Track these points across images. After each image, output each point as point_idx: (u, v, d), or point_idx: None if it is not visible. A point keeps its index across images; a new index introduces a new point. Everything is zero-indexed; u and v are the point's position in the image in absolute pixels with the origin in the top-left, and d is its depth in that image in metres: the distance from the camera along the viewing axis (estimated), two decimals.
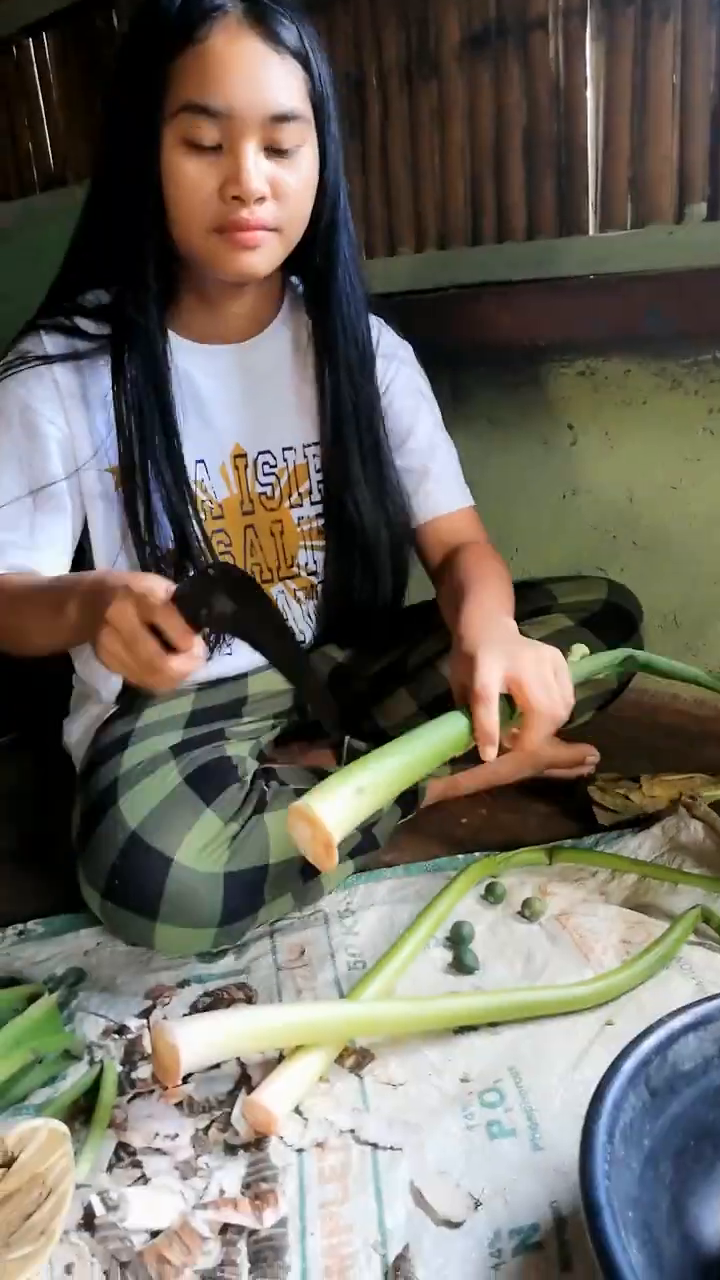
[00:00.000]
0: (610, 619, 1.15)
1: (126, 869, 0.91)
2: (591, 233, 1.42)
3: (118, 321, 0.97)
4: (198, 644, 0.77)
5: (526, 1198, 0.70)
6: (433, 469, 1.13)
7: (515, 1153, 0.74)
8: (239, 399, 1.06)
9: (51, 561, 0.99)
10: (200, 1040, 0.75)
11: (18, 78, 2.17)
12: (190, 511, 1.01)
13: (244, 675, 1.15)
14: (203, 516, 1.05)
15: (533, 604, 1.13)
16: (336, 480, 1.09)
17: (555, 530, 1.55)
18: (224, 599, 0.75)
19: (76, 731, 1.14)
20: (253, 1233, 0.69)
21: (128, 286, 0.95)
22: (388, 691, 1.19)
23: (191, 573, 0.83)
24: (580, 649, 0.97)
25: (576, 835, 1.15)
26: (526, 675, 0.84)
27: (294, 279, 1.08)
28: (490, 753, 0.84)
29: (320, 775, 1.09)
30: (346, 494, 1.08)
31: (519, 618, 1.13)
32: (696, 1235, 0.63)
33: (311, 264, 1.02)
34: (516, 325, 1.43)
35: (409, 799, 1.18)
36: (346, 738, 1.17)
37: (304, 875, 1.01)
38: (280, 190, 0.90)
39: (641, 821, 1.14)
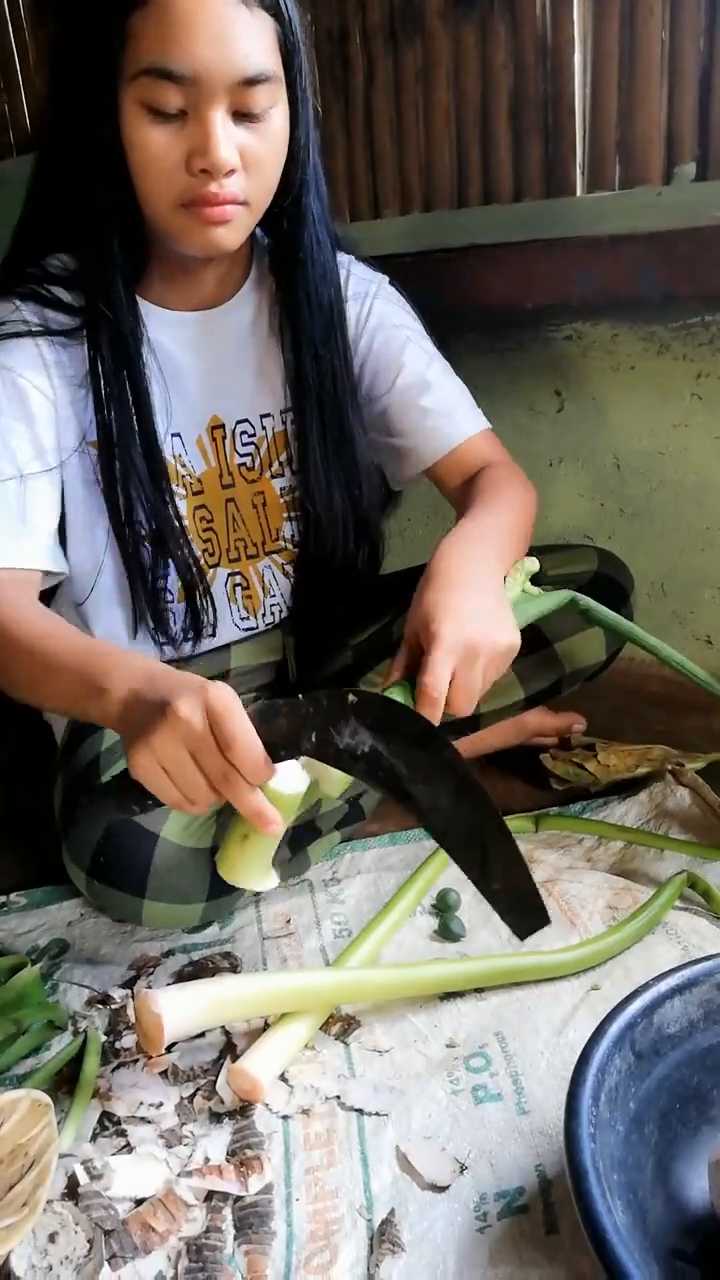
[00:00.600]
0: (600, 590, 1.13)
1: (112, 847, 0.90)
2: (579, 194, 1.39)
3: (88, 295, 0.92)
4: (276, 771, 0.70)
5: (512, 1161, 0.70)
6: (431, 405, 1.06)
7: (501, 1117, 0.74)
8: (214, 367, 1.01)
9: (41, 548, 0.95)
10: (184, 1009, 0.74)
11: None
12: (166, 488, 0.97)
13: (226, 647, 1.13)
14: (183, 493, 1.03)
15: None
16: (298, 450, 1.04)
17: (542, 499, 1.50)
18: (362, 732, 0.63)
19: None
20: (238, 1199, 0.69)
21: (93, 262, 0.90)
22: (372, 663, 1.18)
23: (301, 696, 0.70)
24: (530, 564, 0.94)
25: (563, 803, 1.15)
26: (460, 678, 0.80)
27: (258, 232, 1.02)
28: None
29: None
30: (306, 465, 1.04)
31: None
32: (681, 1197, 0.63)
33: (278, 225, 0.95)
34: (504, 288, 1.41)
35: None
36: None
37: (291, 847, 1.00)
38: (250, 160, 0.84)
39: (627, 787, 1.14)
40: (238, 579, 1.09)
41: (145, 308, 0.96)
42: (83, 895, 0.99)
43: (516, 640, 0.84)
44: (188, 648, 1.07)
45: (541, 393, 1.49)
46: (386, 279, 1.09)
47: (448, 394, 1.07)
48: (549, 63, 1.38)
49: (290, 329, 1.00)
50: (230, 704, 0.68)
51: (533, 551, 1.15)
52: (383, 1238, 0.66)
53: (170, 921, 0.92)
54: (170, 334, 0.98)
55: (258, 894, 1.00)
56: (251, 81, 0.80)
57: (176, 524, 0.99)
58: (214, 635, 1.08)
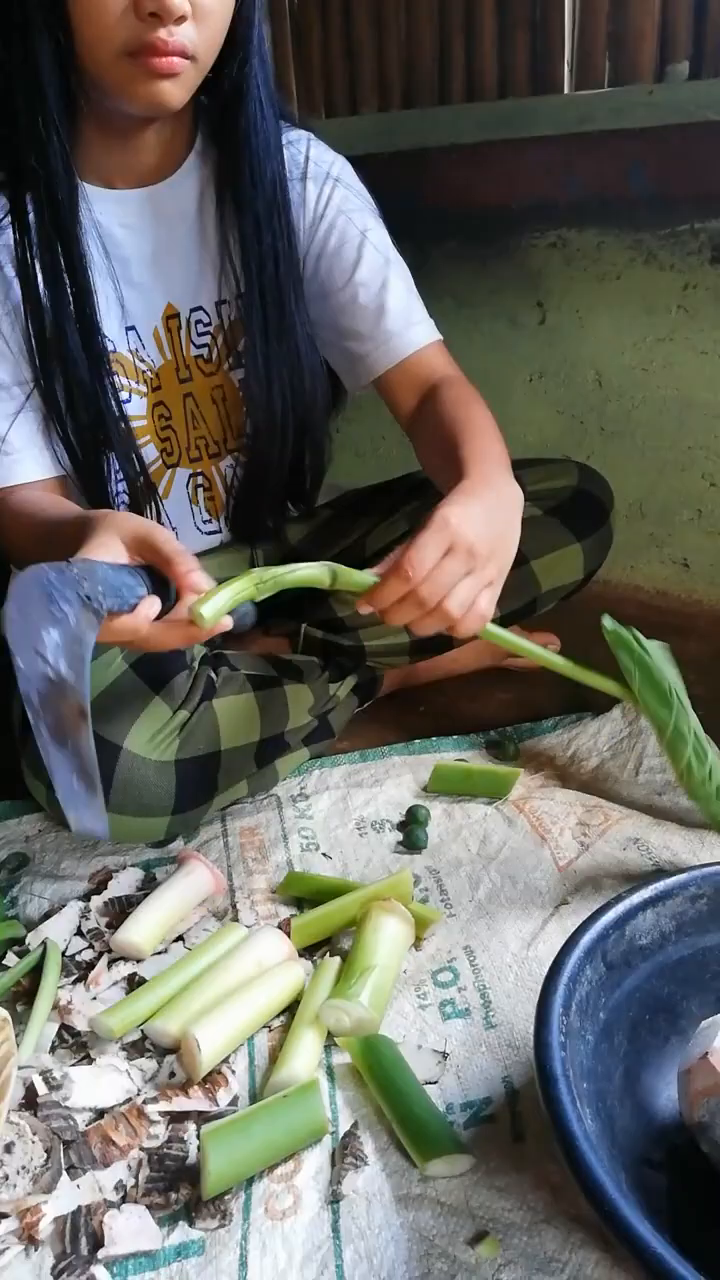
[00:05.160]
0: (580, 507, 1.10)
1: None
2: (566, 91, 1.33)
3: (13, 167, 0.83)
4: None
5: (479, 1073, 0.70)
6: (389, 304, 0.98)
7: (468, 1031, 0.73)
8: (163, 250, 0.94)
9: (36, 461, 0.92)
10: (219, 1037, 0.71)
11: None
12: (107, 384, 0.90)
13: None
14: (142, 389, 0.97)
15: None
16: (243, 339, 0.96)
17: (521, 415, 1.49)
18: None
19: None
20: (202, 1113, 0.68)
21: (25, 122, 0.81)
22: None
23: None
24: None
25: (535, 719, 1.13)
26: (443, 569, 0.74)
27: (202, 99, 0.92)
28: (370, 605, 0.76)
29: (275, 663, 1.06)
30: (249, 355, 0.96)
31: None
32: (649, 1105, 0.63)
33: (220, 91, 0.87)
34: (488, 188, 1.35)
35: (366, 688, 1.16)
36: (303, 625, 1.14)
37: (259, 761, 0.98)
38: (200, 9, 0.77)
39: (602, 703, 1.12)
40: (199, 479, 1.04)
41: (83, 187, 0.88)
42: (44, 810, 0.97)
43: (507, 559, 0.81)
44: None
45: (523, 304, 1.44)
46: (346, 161, 1.01)
47: (402, 296, 1.00)
48: None
49: (233, 205, 0.92)
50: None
51: (513, 466, 1.12)
52: (345, 1150, 0.65)
53: (136, 834, 0.90)
54: (113, 214, 0.91)
55: (224, 809, 0.98)
56: None
57: (122, 424, 0.93)
58: None
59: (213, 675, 0.97)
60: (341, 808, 0.98)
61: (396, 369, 1.00)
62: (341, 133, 1.47)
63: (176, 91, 0.81)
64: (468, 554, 0.75)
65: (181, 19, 0.76)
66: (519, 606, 1.09)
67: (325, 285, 0.99)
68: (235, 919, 0.84)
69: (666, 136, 1.19)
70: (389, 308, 0.98)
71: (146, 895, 0.84)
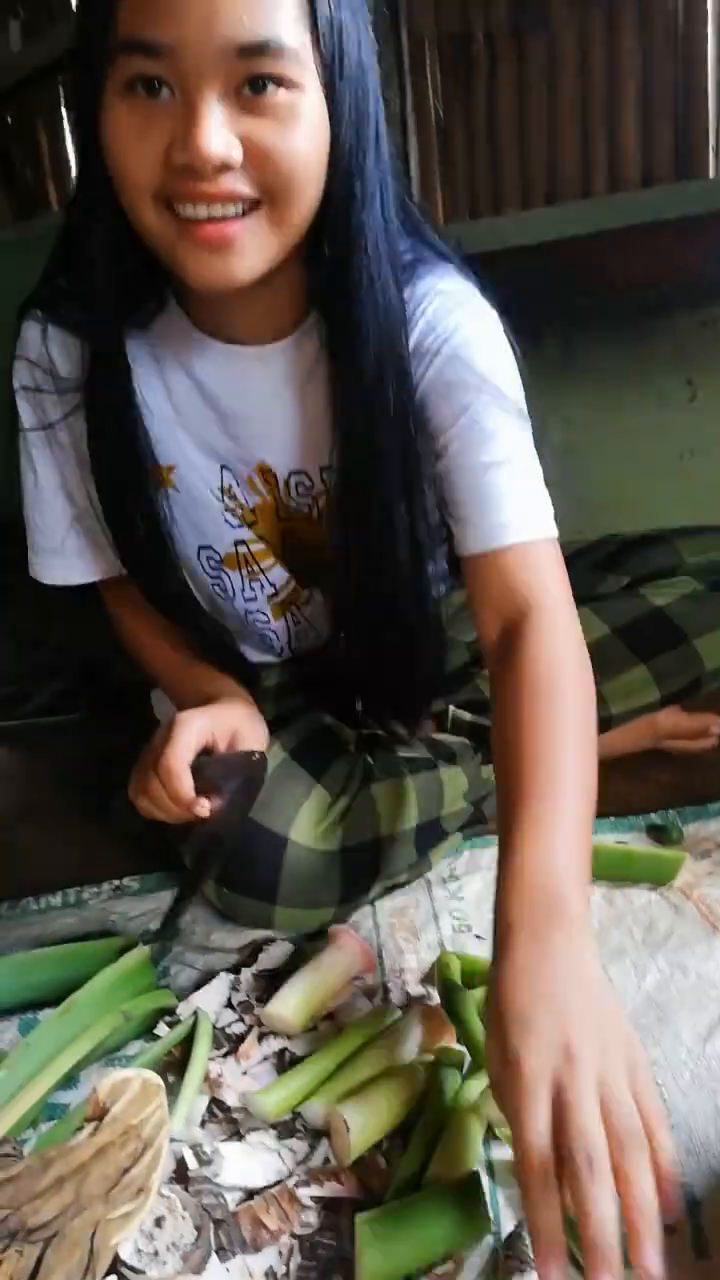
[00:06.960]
0: None
1: (241, 853, 0.87)
2: (712, 175, 1.34)
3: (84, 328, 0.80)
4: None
5: None
6: (500, 482, 0.79)
7: None
8: (265, 411, 0.84)
9: (89, 567, 0.93)
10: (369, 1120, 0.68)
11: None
12: (165, 553, 0.87)
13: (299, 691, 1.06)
14: (236, 521, 0.92)
15: (655, 564, 1.05)
16: (339, 523, 0.84)
17: (673, 494, 1.47)
18: (240, 784, 0.81)
19: (166, 702, 1.09)
20: (355, 1200, 0.64)
21: (85, 294, 0.77)
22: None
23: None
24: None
25: (700, 802, 1.07)
26: (578, 1100, 0.51)
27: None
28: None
29: (428, 744, 1.03)
30: (329, 532, 0.86)
31: (640, 580, 1.04)
32: None
33: (320, 246, 0.73)
34: (634, 272, 1.36)
35: None
36: (450, 706, 1.11)
37: (418, 849, 0.95)
38: (260, 149, 0.65)
39: None
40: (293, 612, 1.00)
41: (186, 334, 0.83)
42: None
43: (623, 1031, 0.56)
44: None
45: (672, 382, 1.43)
46: (475, 313, 0.81)
47: (515, 477, 0.80)
48: (681, 47, 1.34)
49: (336, 371, 0.79)
50: (170, 770, 0.78)
51: (669, 536, 1.08)
52: (510, 1252, 0.60)
53: (302, 925, 0.89)
54: (214, 365, 0.83)
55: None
56: (251, 51, 0.62)
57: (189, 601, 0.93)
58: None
59: (369, 759, 0.96)
60: (494, 890, 0.94)
61: (477, 560, 0.80)
62: (485, 231, 1.53)
63: (240, 265, 0.69)
64: (586, 1082, 0.52)
65: (224, 168, 0.65)
66: (681, 687, 1.04)
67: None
68: (385, 999, 0.81)
69: None
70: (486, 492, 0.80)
71: (296, 969, 0.82)
